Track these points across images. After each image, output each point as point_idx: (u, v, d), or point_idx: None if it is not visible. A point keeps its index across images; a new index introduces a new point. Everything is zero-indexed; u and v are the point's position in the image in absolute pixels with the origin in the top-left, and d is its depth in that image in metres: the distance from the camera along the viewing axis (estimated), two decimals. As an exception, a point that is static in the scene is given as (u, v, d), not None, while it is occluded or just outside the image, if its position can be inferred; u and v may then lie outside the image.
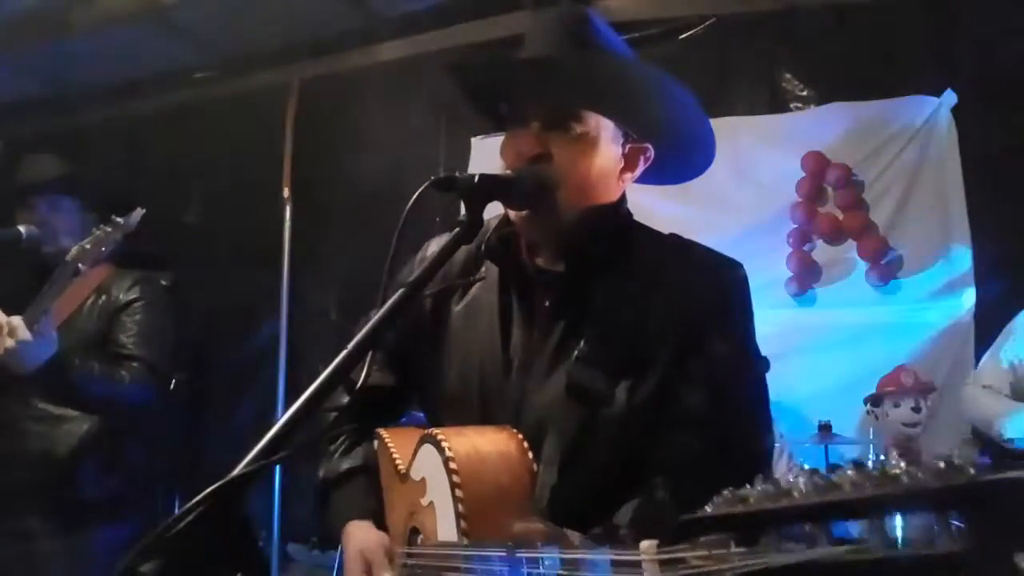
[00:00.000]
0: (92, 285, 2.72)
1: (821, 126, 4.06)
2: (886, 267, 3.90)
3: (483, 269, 1.50)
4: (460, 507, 1.21)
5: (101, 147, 5.10)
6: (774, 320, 4.03)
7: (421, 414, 1.62)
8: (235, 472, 0.93)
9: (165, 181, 5.00)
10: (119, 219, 2.43)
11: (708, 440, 1.29)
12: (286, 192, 4.93)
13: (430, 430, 1.32)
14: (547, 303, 1.42)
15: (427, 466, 1.32)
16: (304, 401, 1.04)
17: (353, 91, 4.75)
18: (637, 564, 0.82)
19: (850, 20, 3.95)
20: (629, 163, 1.43)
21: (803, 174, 4.06)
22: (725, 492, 0.70)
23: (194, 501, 0.88)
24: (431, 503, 1.30)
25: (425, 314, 1.52)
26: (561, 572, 0.96)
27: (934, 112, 3.82)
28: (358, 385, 1.13)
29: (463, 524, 1.20)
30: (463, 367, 1.46)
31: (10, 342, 2.30)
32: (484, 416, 1.40)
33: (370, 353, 1.12)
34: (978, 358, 3.62)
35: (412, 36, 4.63)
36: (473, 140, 4.51)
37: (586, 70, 1.37)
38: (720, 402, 1.32)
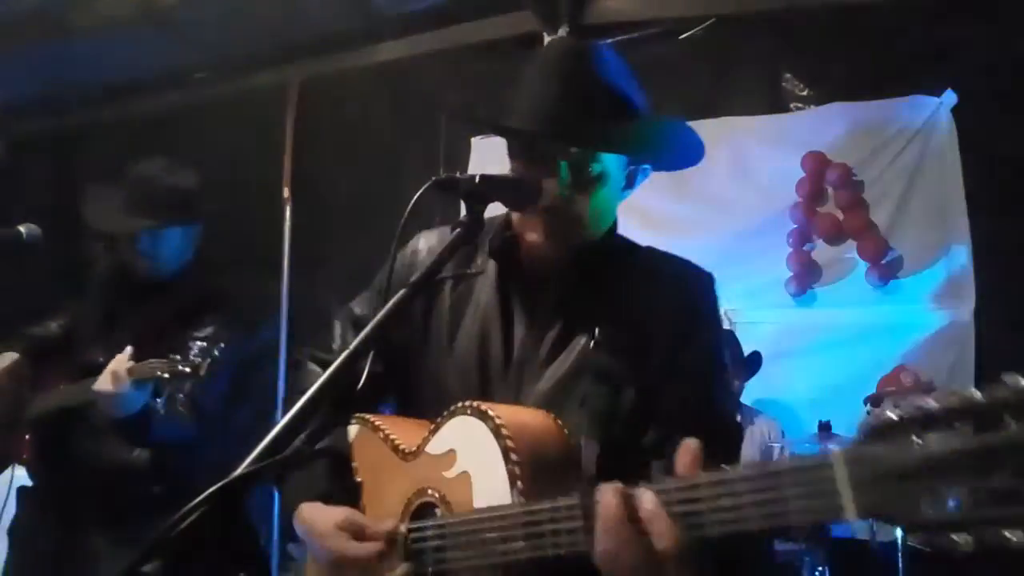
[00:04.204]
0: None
1: (821, 126, 4.06)
2: (886, 267, 3.90)
3: (479, 262, 1.53)
4: (516, 470, 1.23)
5: (100, 147, 5.11)
6: (774, 320, 4.03)
7: (386, 408, 1.63)
8: (236, 472, 0.93)
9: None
10: (193, 365, 2.34)
11: (698, 426, 1.37)
12: (286, 192, 4.92)
13: (466, 403, 1.35)
14: (548, 301, 1.47)
15: (462, 437, 1.33)
16: (305, 402, 1.04)
17: (353, 91, 4.74)
18: (828, 466, 0.89)
19: (850, 20, 3.95)
20: (629, 182, 1.51)
21: (803, 174, 4.06)
22: (911, 401, 0.83)
23: (196, 501, 0.88)
24: (463, 473, 1.31)
25: (415, 306, 1.53)
26: (737, 497, 0.99)
27: (934, 112, 3.83)
28: (359, 384, 1.14)
29: (520, 485, 1.22)
30: (462, 361, 1.49)
31: (110, 387, 2.32)
32: None
33: (372, 353, 1.13)
34: (978, 358, 3.62)
35: (412, 36, 4.63)
36: (473, 140, 4.52)
37: (592, 119, 1.40)
38: (705, 391, 1.45)
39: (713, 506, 1.00)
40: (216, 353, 2.40)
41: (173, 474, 2.64)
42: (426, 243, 1.59)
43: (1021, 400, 0.76)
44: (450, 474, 1.33)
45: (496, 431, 1.27)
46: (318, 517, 1.39)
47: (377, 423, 1.51)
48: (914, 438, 0.83)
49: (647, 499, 1.03)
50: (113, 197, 2.77)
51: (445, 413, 1.37)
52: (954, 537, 0.79)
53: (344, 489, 1.48)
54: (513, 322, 1.48)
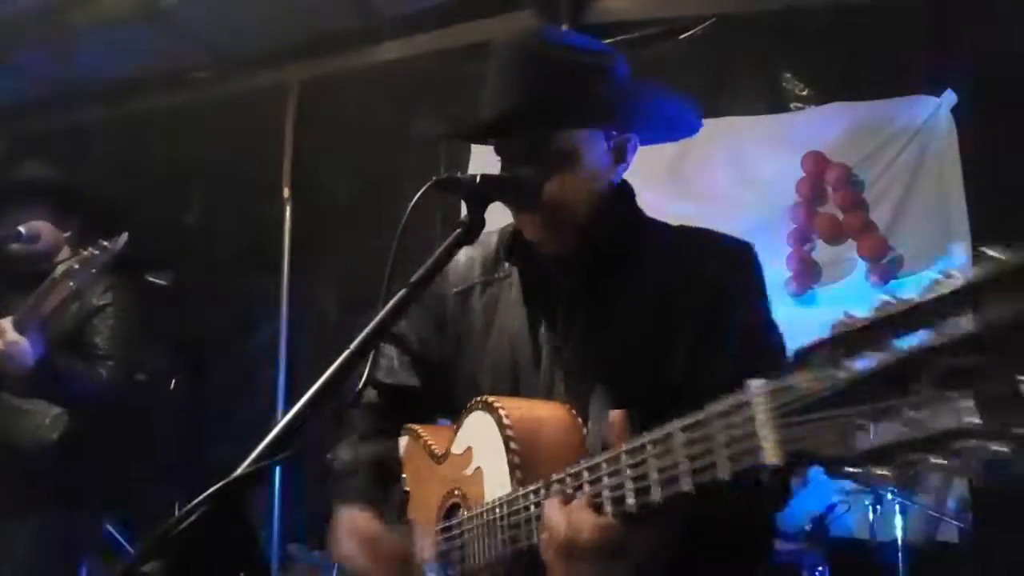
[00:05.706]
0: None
1: (821, 126, 4.06)
2: (886, 267, 3.90)
3: (505, 267, 1.54)
4: (515, 459, 1.24)
5: (100, 147, 5.11)
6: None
7: (446, 421, 1.63)
8: (237, 472, 0.93)
9: (165, 181, 5.00)
10: (106, 243, 2.45)
11: None
12: (286, 192, 4.93)
13: (477, 398, 1.35)
14: (568, 295, 1.46)
15: (475, 433, 1.34)
16: (306, 401, 1.04)
17: (353, 91, 4.75)
18: (748, 404, 0.81)
19: (850, 20, 3.95)
20: (618, 156, 1.46)
21: (803, 174, 4.05)
22: (842, 319, 0.71)
23: (196, 501, 0.88)
24: (478, 469, 1.32)
25: (449, 315, 1.56)
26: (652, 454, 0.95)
27: (934, 112, 3.82)
28: (359, 386, 1.14)
29: (518, 474, 1.23)
30: (495, 363, 1.50)
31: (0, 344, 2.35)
32: None
33: (372, 353, 1.13)
34: (978, 358, 3.62)
35: (412, 36, 4.63)
36: (473, 140, 4.51)
37: (545, 101, 1.35)
38: (746, 368, 1.39)
39: (637, 474, 0.95)
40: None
41: (89, 456, 2.65)
42: (465, 253, 1.58)
43: (939, 302, 0.64)
44: (468, 471, 1.35)
45: (499, 422, 1.28)
46: (346, 520, 1.43)
47: (419, 431, 1.54)
48: (843, 362, 0.70)
49: (548, 508, 1.05)
50: None
51: (468, 406, 1.38)
52: (877, 471, 0.69)
53: (386, 499, 1.49)
54: (538, 322, 1.48)
